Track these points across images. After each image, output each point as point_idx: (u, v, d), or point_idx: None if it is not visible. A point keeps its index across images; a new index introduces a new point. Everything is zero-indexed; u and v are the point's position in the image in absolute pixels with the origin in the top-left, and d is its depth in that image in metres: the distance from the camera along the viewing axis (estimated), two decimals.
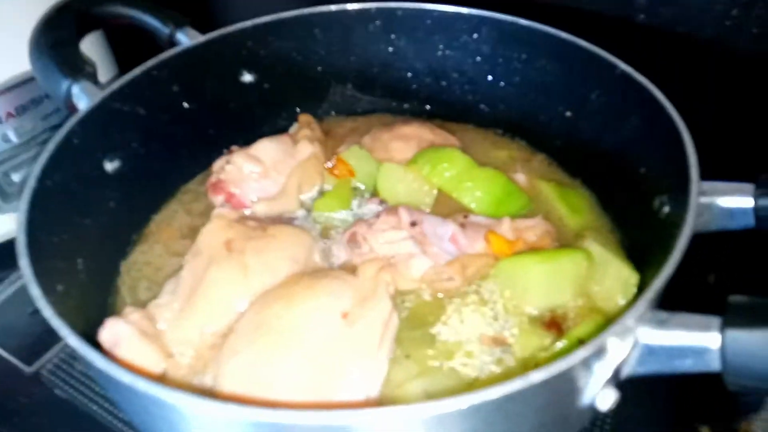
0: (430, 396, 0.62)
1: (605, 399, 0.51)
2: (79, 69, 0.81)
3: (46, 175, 0.68)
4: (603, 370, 0.50)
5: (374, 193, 0.90)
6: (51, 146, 0.70)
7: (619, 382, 0.54)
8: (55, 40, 0.82)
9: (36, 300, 0.54)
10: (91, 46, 1.02)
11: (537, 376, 0.45)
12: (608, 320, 0.69)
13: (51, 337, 0.87)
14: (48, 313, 0.53)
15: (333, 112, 1.06)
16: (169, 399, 0.46)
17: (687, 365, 0.50)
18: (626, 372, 0.53)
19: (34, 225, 0.62)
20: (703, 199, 0.61)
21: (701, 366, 0.50)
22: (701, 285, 0.95)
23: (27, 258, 0.57)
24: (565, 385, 0.49)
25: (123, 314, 0.70)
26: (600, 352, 0.49)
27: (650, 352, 0.51)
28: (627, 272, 0.72)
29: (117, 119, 0.81)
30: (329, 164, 0.92)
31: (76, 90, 0.80)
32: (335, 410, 0.44)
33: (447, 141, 0.95)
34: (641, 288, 0.71)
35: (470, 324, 0.70)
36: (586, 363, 0.48)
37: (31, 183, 0.65)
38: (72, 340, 0.50)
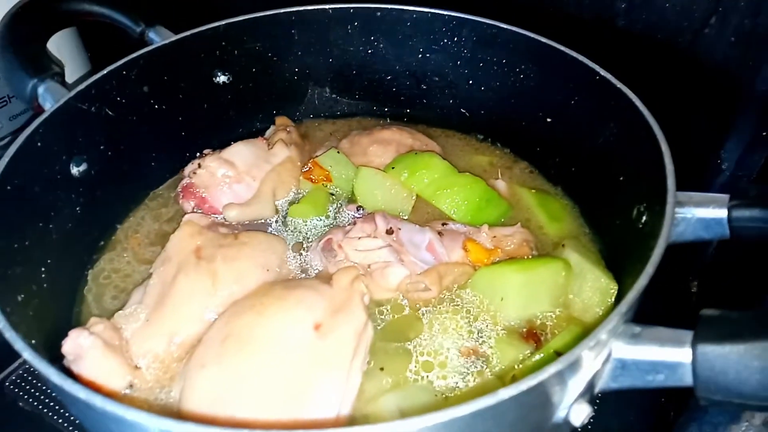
0: (404, 412, 0.60)
1: (579, 414, 0.50)
2: (45, 68, 0.78)
3: (6, 178, 0.65)
4: (576, 384, 0.49)
5: (351, 199, 0.88)
6: (12, 149, 0.67)
7: (593, 396, 0.53)
8: (21, 38, 0.80)
9: None
10: (63, 43, 1.00)
11: (507, 392, 0.43)
12: (587, 331, 0.68)
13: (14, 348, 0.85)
14: (2, 324, 0.50)
15: (311, 115, 1.04)
16: (128, 416, 0.44)
17: (659, 380, 0.49)
18: (600, 386, 0.52)
19: None
20: (680, 210, 0.61)
21: (673, 381, 0.49)
22: (684, 293, 0.95)
23: None
24: (538, 400, 0.48)
25: (87, 325, 0.67)
26: (573, 367, 0.48)
27: (623, 366, 0.50)
28: (605, 282, 0.71)
29: (84, 120, 0.78)
30: (305, 168, 0.90)
31: (41, 90, 0.78)
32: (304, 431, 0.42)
33: (427, 146, 0.94)
34: (620, 298, 0.70)
35: (447, 335, 0.69)
36: (559, 377, 0.47)
37: None
38: (27, 354, 0.48)
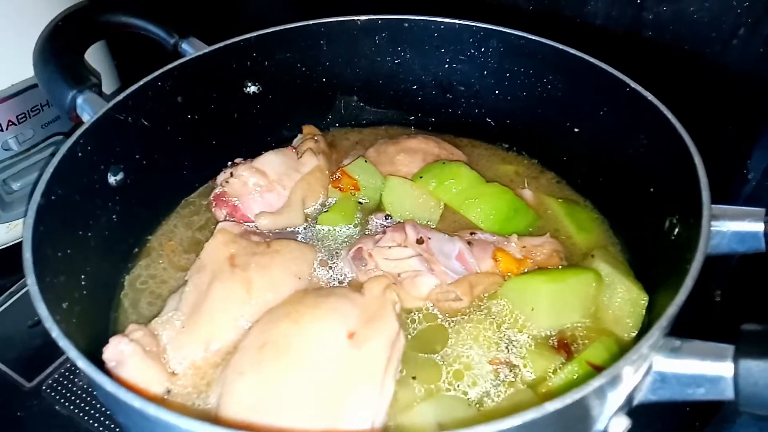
0: (440, 423, 0.61)
1: (617, 426, 0.51)
2: (84, 79, 0.80)
3: (51, 188, 0.67)
4: (616, 398, 0.50)
5: (379, 208, 0.89)
6: (56, 159, 0.69)
7: (631, 409, 0.53)
8: (60, 49, 0.82)
9: (44, 320, 0.53)
10: (93, 57, 1.02)
11: (552, 406, 0.44)
12: (618, 342, 0.69)
13: (51, 350, 0.87)
14: (56, 333, 0.52)
15: (337, 124, 1.06)
16: (181, 425, 0.45)
17: (700, 393, 0.50)
18: (639, 399, 0.52)
19: (39, 240, 0.61)
20: (715, 224, 0.61)
21: (714, 394, 0.50)
22: (708, 301, 0.95)
23: (34, 276, 0.56)
24: (579, 414, 0.49)
25: (127, 332, 0.69)
26: (614, 381, 0.48)
27: (663, 380, 0.51)
28: (636, 293, 0.71)
29: (121, 131, 0.80)
30: (334, 177, 0.91)
31: (80, 100, 0.79)
32: None
33: (453, 155, 0.95)
34: (650, 309, 0.71)
35: (477, 345, 0.70)
36: (600, 391, 0.48)
37: (36, 197, 0.64)
38: (81, 362, 0.50)
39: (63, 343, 0.51)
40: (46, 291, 0.57)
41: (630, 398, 0.51)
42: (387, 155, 0.94)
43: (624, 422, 0.51)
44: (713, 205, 0.61)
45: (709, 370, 0.48)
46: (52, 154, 1.02)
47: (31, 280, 0.56)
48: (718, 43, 0.93)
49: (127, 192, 0.81)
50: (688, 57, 0.95)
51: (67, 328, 0.57)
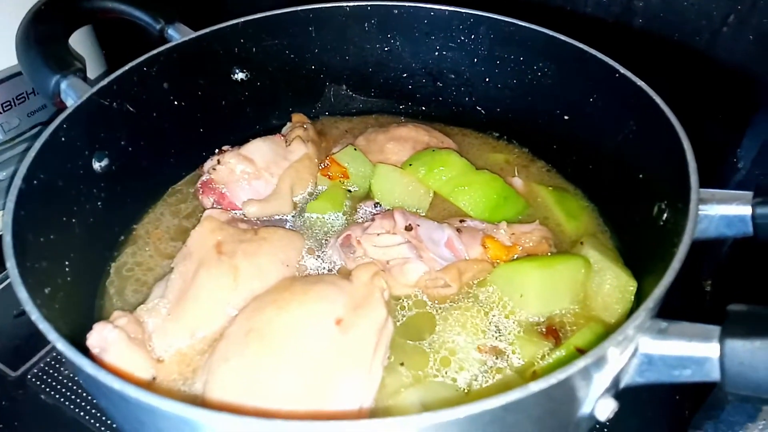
0: (426, 406, 0.61)
1: (604, 409, 0.51)
2: (67, 64, 0.79)
3: (33, 173, 0.66)
4: (602, 379, 0.50)
5: (368, 196, 0.89)
6: (38, 144, 0.68)
7: (618, 391, 0.53)
8: (43, 35, 0.80)
9: (23, 303, 0.53)
10: (80, 42, 1.00)
11: (536, 386, 0.44)
12: (606, 328, 0.68)
13: (37, 340, 0.86)
14: (35, 316, 0.51)
15: (327, 113, 1.05)
16: (162, 407, 0.45)
17: (686, 375, 0.50)
18: (625, 381, 0.52)
19: (20, 225, 0.60)
20: (703, 207, 0.61)
21: (700, 376, 0.49)
22: (698, 290, 0.95)
23: (14, 259, 0.55)
24: (564, 395, 0.48)
25: (111, 318, 0.68)
26: (600, 362, 0.48)
27: (650, 361, 0.50)
28: (625, 279, 0.71)
29: (106, 116, 0.79)
30: (323, 165, 0.90)
31: (64, 86, 0.78)
32: (329, 422, 0.42)
33: (443, 143, 0.94)
34: (639, 295, 0.71)
35: (466, 332, 0.69)
36: (586, 372, 0.48)
37: (17, 182, 0.63)
38: (61, 344, 0.49)
39: (42, 325, 0.50)
40: (27, 275, 0.56)
41: (617, 380, 0.51)
42: (377, 143, 0.93)
43: (611, 404, 0.51)
44: (701, 189, 0.61)
45: (695, 351, 0.48)
46: (36, 140, 1.01)
47: (10, 263, 0.55)
48: (708, 32, 0.93)
49: (112, 179, 0.80)
50: (678, 45, 0.95)
51: (48, 313, 0.56)
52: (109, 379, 0.45)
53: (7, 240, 0.57)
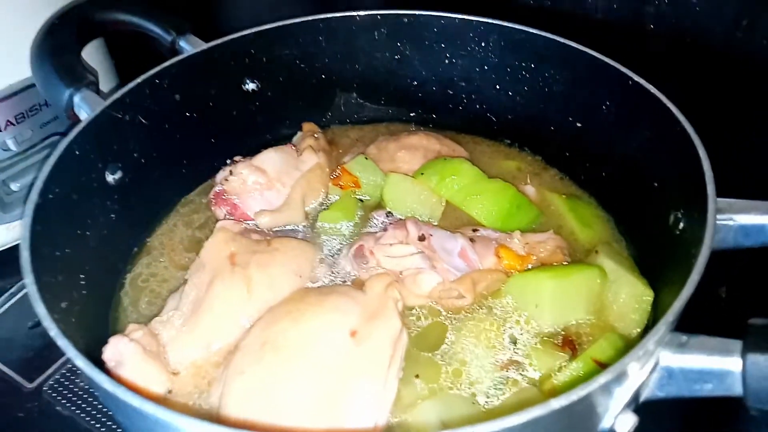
0: (444, 421, 0.60)
1: (624, 424, 0.50)
2: (81, 77, 0.79)
3: (49, 187, 0.66)
4: (622, 394, 0.49)
5: (380, 205, 0.88)
6: (53, 158, 0.68)
7: (638, 405, 0.52)
8: (56, 48, 0.81)
9: (42, 318, 0.53)
10: (91, 55, 1.01)
11: (557, 403, 0.43)
12: (623, 339, 0.68)
13: (51, 352, 0.86)
14: (54, 332, 0.51)
15: (337, 121, 1.05)
16: (181, 424, 0.45)
17: (707, 389, 0.49)
18: (645, 395, 0.52)
19: (37, 239, 0.61)
20: (720, 217, 0.60)
21: (722, 390, 0.49)
22: (713, 298, 0.94)
23: (32, 275, 0.56)
24: (585, 411, 0.48)
25: (126, 331, 0.68)
26: (620, 377, 0.48)
27: (670, 375, 0.50)
28: (641, 289, 0.70)
29: (119, 129, 0.79)
30: (334, 175, 0.90)
31: (77, 99, 0.79)
32: None
33: (455, 151, 0.94)
34: (655, 305, 0.70)
35: (480, 343, 0.69)
36: (606, 388, 0.47)
37: (33, 197, 0.63)
38: (80, 361, 0.49)
39: (61, 342, 0.50)
40: (45, 290, 0.56)
41: (636, 395, 0.50)
42: (387, 152, 0.93)
43: (631, 419, 0.50)
44: (719, 198, 0.60)
45: (717, 365, 0.48)
46: (51, 154, 1.02)
47: (29, 279, 0.55)
48: (721, 35, 0.92)
49: (125, 191, 0.80)
50: (690, 50, 0.94)
51: (66, 327, 0.56)
52: (128, 396, 0.45)
53: (25, 256, 0.58)
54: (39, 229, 0.62)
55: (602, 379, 0.45)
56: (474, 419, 0.58)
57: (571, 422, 0.48)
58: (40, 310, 0.53)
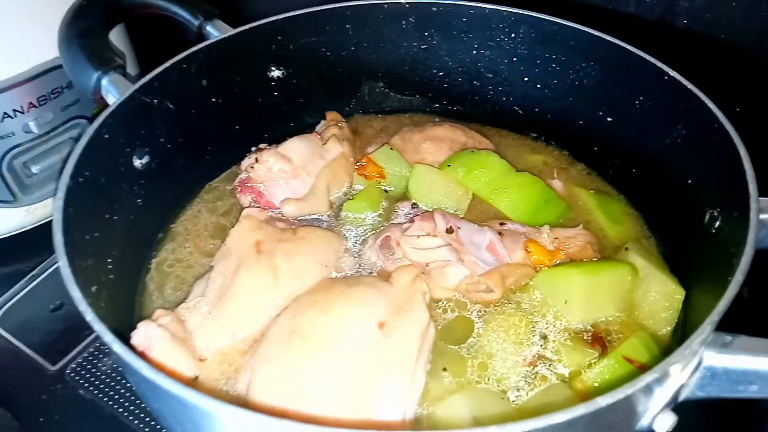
0: (476, 416, 0.60)
1: (664, 423, 0.50)
2: (109, 60, 0.79)
3: (79, 170, 0.65)
4: (663, 394, 0.49)
5: (405, 196, 0.88)
6: (83, 140, 0.68)
7: (676, 404, 0.52)
8: (84, 31, 0.80)
9: (77, 303, 0.52)
10: (113, 41, 1.00)
11: (604, 401, 0.43)
12: (653, 337, 0.67)
13: (74, 334, 0.86)
14: (90, 317, 0.51)
15: (360, 111, 1.04)
16: (218, 412, 0.44)
17: (752, 390, 0.48)
18: (686, 395, 0.51)
19: (69, 222, 0.60)
20: (763, 216, 0.59)
21: (767, 392, 0.48)
22: (735, 298, 0.93)
23: (66, 257, 0.55)
24: (625, 409, 0.47)
25: (154, 317, 0.68)
26: (663, 377, 0.47)
27: (713, 375, 0.49)
28: (672, 287, 0.70)
29: (146, 113, 0.78)
30: (359, 164, 0.89)
31: (105, 82, 0.78)
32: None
33: (480, 144, 0.93)
34: (686, 304, 0.69)
35: (508, 337, 0.68)
36: (648, 387, 0.46)
37: (65, 179, 0.63)
38: (117, 346, 0.49)
39: (98, 326, 0.50)
40: (77, 273, 0.56)
41: (677, 394, 0.50)
42: (412, 143, 0.92)
43: (670, 419, 0.50)
44: (760, 198, 0.59)
45: (763, 367, 0.47)
46: (72, 138, 1.02)
47: (62, 262, 0.55)
48: (755, 32, 0.91)
49: (152, 176, 0.80)
50: (724, 46, 0.93)
51: (97, 312, 0.55)
52: (167, 383, 0.45)
53: (58, 238, 0.57)
54: (70, 211, 0.62)
55: (647, 378, 0.44)
56: (505, 415, 0.58)
57: (612, 421, 0.47)
58: (75, 294, 0.53)
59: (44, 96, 0.96)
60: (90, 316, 0.51)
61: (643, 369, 0.62)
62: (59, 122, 1.00)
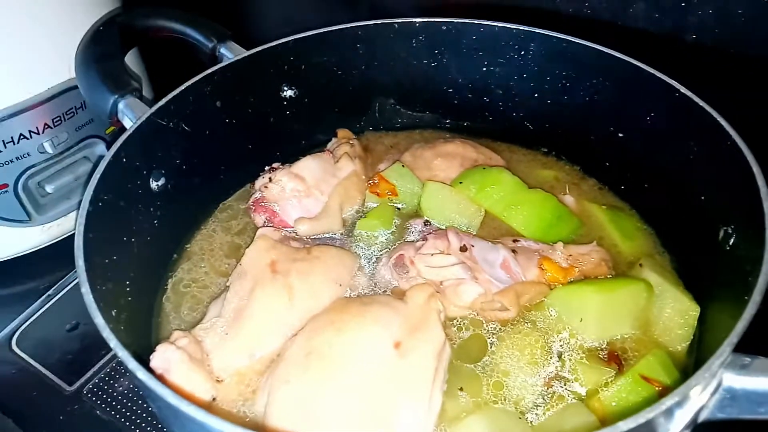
0: None
1: None
2: (125, 84, 0.80)
3: (98, 195, 0.67)
4: (683, 416, 0.49)
5: (417, 213, 0.88)
6: (102, 165, 0.69)
7: (696, 425, 0.52)
8: (101, 55, 0.82)
9: (101, 329, 0.53)
10: (128, 65, 1.02)
11: (625, 426, 0.43)
12: (669, 354, 0.67)
13: (90, 354, 0.87)
14: (114, 343, 0.52)
15: (371, 128, 1.05)
16: None
17: None
18: (704, 416, 0.51)
19: (90, 248, 0.61)
20: None
21: None
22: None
23: (88, 284, 0.56)
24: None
25: (172, 339, 0.68)
26: (683, 400, 0.47)
27: (733, 397, 0.49)
28: (687, 304, 0.70)
29: (162, 135, 0.80)
30: (371, 182, 0.90)
31: (122, 106, 0.79)
32: None
33: (492, 160, 0.93)
34: (701, 321, 0.69)
35: (524, 356, 0.69)
36: (669, 410, 0.47)
37: (85, 204, 0.64)
38: (141, 374, 0.49)
39: (122, 353, 0.51)
40: (99, 300, 0.57)
41: (696, 416, 0.50)
42: (424, 160, 0.93)
43: None
44: None
45: None
46: (86, 157, 1.03)
47: (85, 289, 0.56)
48: (764, 45, 0.91)
49: (167, 197, 0.81)
50: (735, 61, 0.93)
51: (117, 336, 0.56)
52: (192, 410, 0.45)
53: (80, 264, 0.58)
54: (90, 236, 0.63)
55: (668, 401, 0.44)
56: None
57: None
58: (99, 320, 0.53)
59: (59, 117, 0.97)
60: (114, 342, 0.51)
61: (661, 387, 0.63)
62: (73, 142, 1.01)
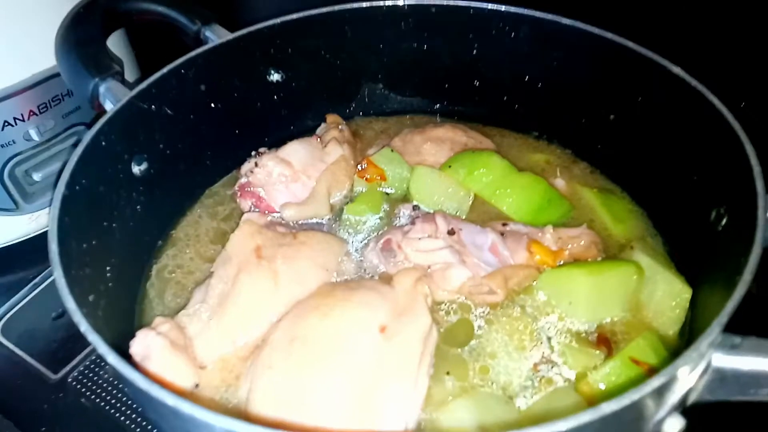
0: (481, 421, 0.59)
1: (672, 427, 0.48)
2: (106, 67, 0.78)
3: (75, 179, 0.65)
4: (672, 397, 0.47)
5: (406, 197, 0.87)
6: (79, 149, 0.67)
7: (685, 408, 0.50)
8: (82, 38, 0.80)
9: (72, 313, 0.52)
10: (113, 46, 1.00)
11: (609, 407, 0.42)
12: (660, 337, 0.66)
13: (76, 343, 0.86)
14: (84, 327, 0.50)
15: (361, 113, 1.03)
16: (215, 423, 0.44)
17: (762, 394, 0.47)
18: (694, 399, 0.50)
19: (65, 232, 0.60)
20: None
21: None
22: (744, 297, 0.92)
23: (60, 269, 0.55)
24: (633, 414, 0.46)
25: (153, 325, 0.67)
26: (671, 380, 0.46)
27: (722, 379, 0.48)
28: (679, 287, 0.68)
29: (144, 119, 0.78)
30: (360, 167, 0.89)
31: (102, 89, 0.78)
32: None
33: (482, 144, 0.92)
34: (693, 303, 0.68)
35: (512, 340, 0.67)
36: (657, 391, 0.45)
37: (60, 188, 0.63)
38: (111, 358, 0.48)
39: (92, 337, 0.49)
40: (73, 284, 0.55)
41: (685, 398, 0.49)
42: (413, 144, 0.91)
43: (678, 423, 0.48)
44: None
45: None
46: (74, 145, 1.01)
47: (57, 273, 0.55)
48: (761, 25, 0.89)
49: (150, 182, 0.79)
50: (730, 38, 0.91)
51: (94, 321, 0.55)
52: (162, 394, 0.44)
53: (53, 248, 0.57)
54: (67, 221, 0.61)
55: (655, 382, 0.43)
56: (511, 419, 0.57)
57: (619, 425, 0.46)
58: (70, 305, 0.52)
59: (45, 104, 0.95)
60: (84, 326, 0.50)
61: (651, 370, 0.61)
62: (60, 129, 0.99)
